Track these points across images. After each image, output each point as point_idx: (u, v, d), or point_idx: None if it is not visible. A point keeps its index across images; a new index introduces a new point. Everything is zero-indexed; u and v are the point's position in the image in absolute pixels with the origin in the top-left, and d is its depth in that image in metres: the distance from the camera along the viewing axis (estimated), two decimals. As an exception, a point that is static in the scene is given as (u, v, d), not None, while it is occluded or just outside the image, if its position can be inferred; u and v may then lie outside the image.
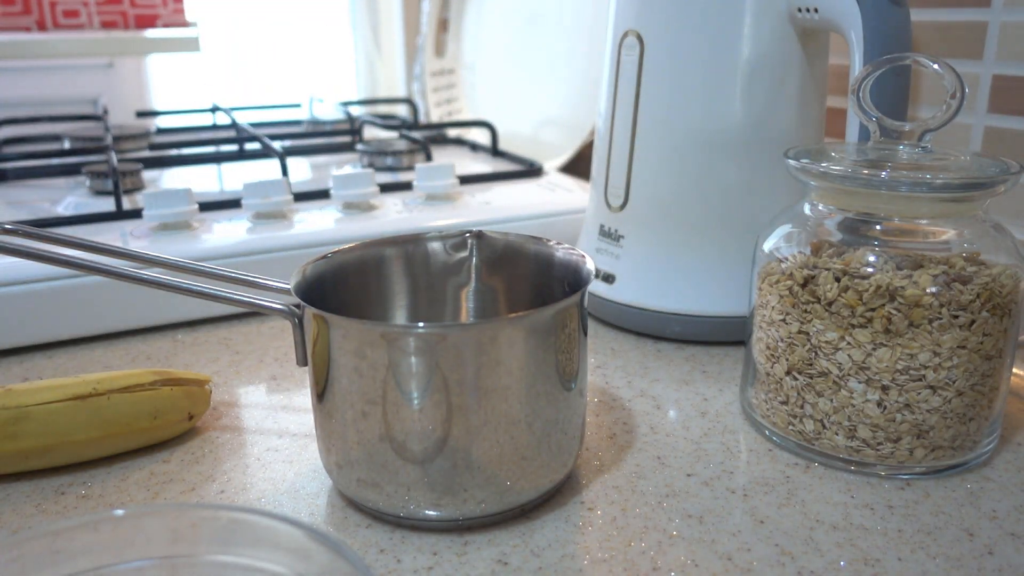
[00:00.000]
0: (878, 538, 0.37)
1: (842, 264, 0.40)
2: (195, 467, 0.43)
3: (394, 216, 0.69)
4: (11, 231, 0.45)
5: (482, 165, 0.90)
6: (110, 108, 1.12)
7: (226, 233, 0.64)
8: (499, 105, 1.04)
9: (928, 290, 0.38)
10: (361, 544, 0.36)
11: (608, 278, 0.59)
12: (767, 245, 0.45)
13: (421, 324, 0.35)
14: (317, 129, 1.07)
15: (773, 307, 0.42)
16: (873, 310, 0.39)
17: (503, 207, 0.72)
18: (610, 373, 0.53)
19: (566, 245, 0.43)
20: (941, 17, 0.57)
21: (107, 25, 2.20)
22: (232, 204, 0.70)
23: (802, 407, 0.42)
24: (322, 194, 0.73)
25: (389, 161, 0.88)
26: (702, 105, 0.54)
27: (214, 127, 1.11)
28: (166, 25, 2.25)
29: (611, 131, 0.59)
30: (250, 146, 0.90)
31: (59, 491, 0.41)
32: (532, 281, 0.45)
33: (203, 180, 0.85)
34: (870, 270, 0.39)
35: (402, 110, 1.20)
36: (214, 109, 1.13)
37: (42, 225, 0.64)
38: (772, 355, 0.43)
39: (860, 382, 0.39)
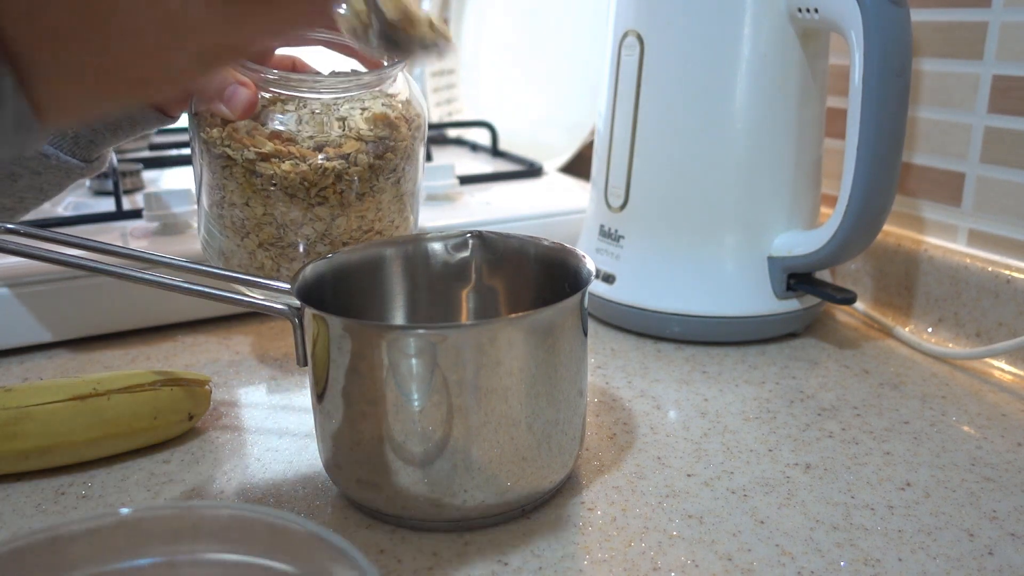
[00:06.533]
0: (878, 538, 0.37)
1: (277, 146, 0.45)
2: (195, 467, 0.43)
3: (394, 216, 0.69)
4: (11, 231, 0.45)
5: (482, 165, 0.90)
6: (110, 108, 1.12)
7: (226, 233, 0.64)
8: (499, 105, 1.04)
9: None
10: (361, 544, 0.36)
11: (608, 278, 0.59)
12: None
13: (421, 325, 0.35)
14: (317, 129, 1.06)
15: (233, 191, 0.47)
16: (324, 190, 0.46)
17: (503, 207, 0.72)
18: (610, 373, 0.53)
19: (566, 245, 0.43)
20: (941, 17, 0.57)
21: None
22: (232, 204, 0.70)
23: (278, 271, 0.48)
24: (322, 194, 0.73)
25: (389, 161, 0.87)
26: (702, 105, 0.54)
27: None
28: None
29: (611, 131, 0.59)
30: (250, 146, 0.90)
31: (59, 491, 0.41)
32: (532, 281, 0.45)
33: (203, 180, 0.85)
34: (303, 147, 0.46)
35: (402, 110, 1.20)
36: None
37: (42, 225, 0.64)
38: (241, 230, 0.48)
39: (325, 245, 0.48)
